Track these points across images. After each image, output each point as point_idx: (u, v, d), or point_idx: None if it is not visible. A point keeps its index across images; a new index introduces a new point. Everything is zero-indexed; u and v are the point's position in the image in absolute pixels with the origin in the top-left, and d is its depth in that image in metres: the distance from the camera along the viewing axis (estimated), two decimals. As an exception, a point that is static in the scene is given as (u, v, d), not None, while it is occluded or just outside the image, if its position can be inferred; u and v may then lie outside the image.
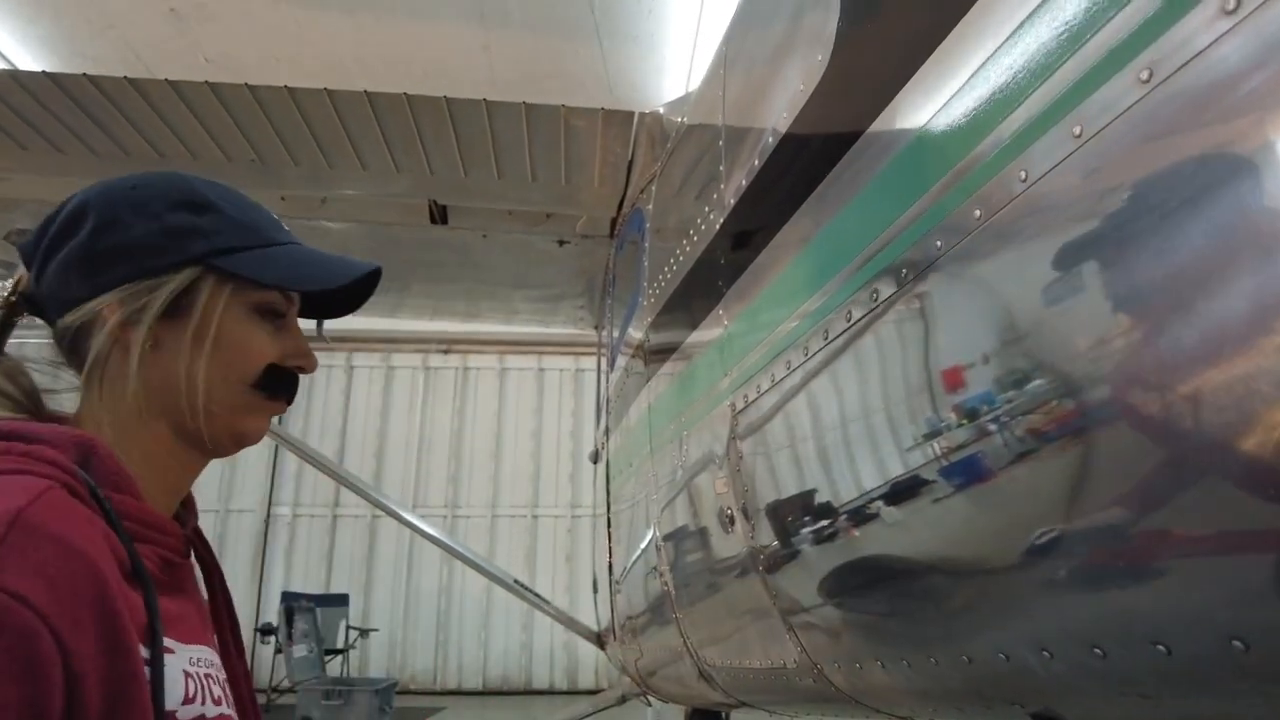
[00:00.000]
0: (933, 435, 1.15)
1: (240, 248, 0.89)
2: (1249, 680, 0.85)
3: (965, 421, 1.07)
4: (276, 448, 12.61)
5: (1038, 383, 0.96)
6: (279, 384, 0.91)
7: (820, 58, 1.49)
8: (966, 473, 1.10)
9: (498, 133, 3.27)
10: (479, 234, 4.16)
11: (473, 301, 5.24)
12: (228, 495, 12.73)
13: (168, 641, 0.76)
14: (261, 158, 3.49)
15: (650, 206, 2.96)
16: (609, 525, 3.81)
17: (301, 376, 0.95)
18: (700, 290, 2.14)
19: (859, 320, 1.33)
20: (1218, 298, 0.74)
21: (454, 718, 10.48)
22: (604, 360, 5.16)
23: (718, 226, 2.03)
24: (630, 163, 3.43)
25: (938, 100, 1.12)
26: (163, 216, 0.87)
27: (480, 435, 13.65)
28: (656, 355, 2.66)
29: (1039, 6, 0.93)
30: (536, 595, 5.37)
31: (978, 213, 1.02)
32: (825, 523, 1.52)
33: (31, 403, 0.85)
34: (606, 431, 3.93)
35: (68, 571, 0.66)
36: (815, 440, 1.55)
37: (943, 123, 1.11)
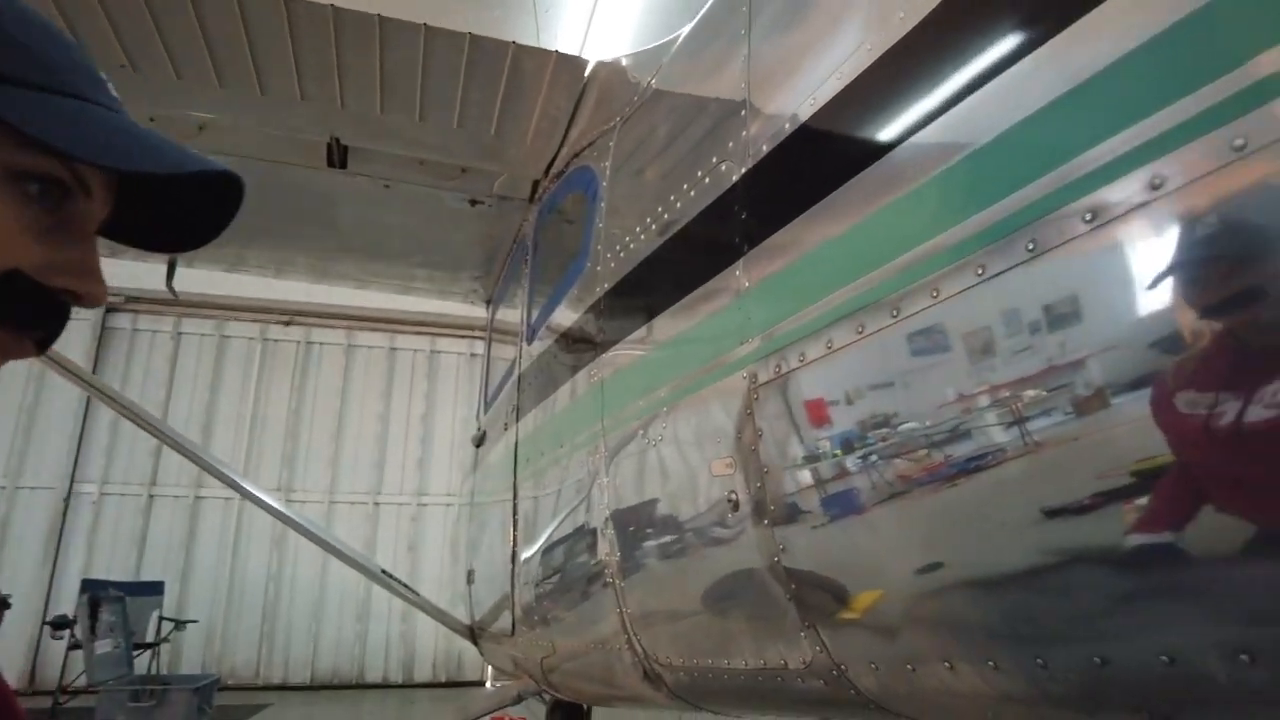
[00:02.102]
0: (1026, 411, 1.10)
1: (14, 80, 0.57)
2: None
3: (1079, 398, 1.03)
4: (85, 416, 11.24)
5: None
6: (15, 303, 0.59)
7: (901, 15, 1.34)
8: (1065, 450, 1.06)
9: (431, 67, 2.91)
10: (380, 183, 3.73)
11: (358, 263, 4.74)
12: (18, 469, 11.07)
13: None
14: (133, 64, 2.93)
15: (607, 164, 2.71)
16: (514, 512, 3.51)
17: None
18: (702, 249, 1.93)
19: (950, 296, 1.19)
20: None
21: (279, 715, 9.68)
22: (494, 338, 4.83)
23: (733, 179, 1.82)
24: (572, 117, 3.15)
25: (1064, 76, 1.03)
26: None
27: (320, 415, 12.76)
28: (617, 323, 2.41)
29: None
30: (405, 586, 4.97)
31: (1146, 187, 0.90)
32: (884, 509, 1.36)
33: None
34: (517, 410, 3.63)
35: None
36: (876, 418, 1.38)
37: (1070, 105, 1.03)
